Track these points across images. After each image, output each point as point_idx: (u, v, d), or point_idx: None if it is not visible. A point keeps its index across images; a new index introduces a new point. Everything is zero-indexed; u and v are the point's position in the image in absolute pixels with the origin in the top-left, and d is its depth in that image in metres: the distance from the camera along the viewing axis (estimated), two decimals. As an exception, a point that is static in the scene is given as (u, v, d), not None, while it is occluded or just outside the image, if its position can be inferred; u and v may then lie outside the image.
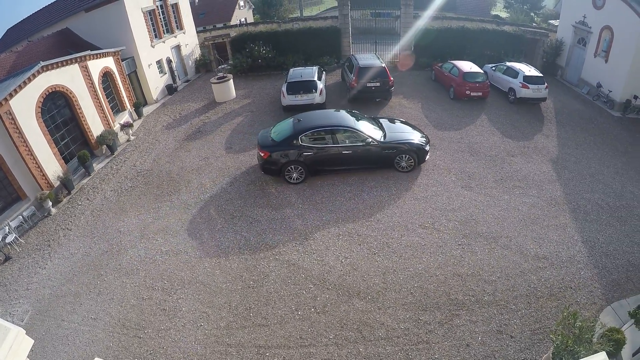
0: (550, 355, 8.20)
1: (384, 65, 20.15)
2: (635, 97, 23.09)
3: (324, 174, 14.74)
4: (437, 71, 23.90)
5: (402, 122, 16.36)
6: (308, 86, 19.05)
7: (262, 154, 14.10)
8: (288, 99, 19.01)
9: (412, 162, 14.66)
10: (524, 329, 9.29)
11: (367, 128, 14.52)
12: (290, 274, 10.68)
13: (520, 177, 15.04)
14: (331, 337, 9.03)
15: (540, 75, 21.90)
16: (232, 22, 48.62)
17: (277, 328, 9.28)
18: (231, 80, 22.31)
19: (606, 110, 23.49)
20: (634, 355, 8.71)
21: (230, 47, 28.17)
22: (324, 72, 22.20)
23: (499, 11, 64.24)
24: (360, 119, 15.04)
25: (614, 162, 16.97)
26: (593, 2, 25.02)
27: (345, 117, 15.02)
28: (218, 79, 22.10)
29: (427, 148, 14.80)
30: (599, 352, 7.88)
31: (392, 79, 20.09)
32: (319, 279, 10.48)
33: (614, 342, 8.41)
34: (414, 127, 15.99)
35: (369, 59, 20.93)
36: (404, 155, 14.47)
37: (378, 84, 19.75)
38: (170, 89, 24.61)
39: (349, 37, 26.85)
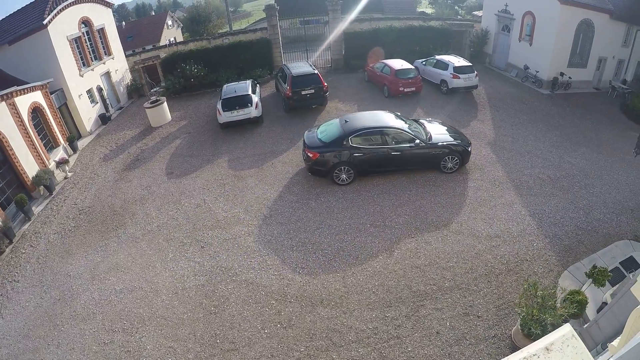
0: (519, 327, 8.49)
1: (316, 71, 20.21)
2: (562, 74, 24.95)
3: (371, 175, 14.58)
4: (369, 72, 24.25)
5: (440, 123, 16.10)
6: (243, 101, 18.82)
7: (311, 155, 13.87)
8: (224, 116, 18.69)
9: (457, 163, 14.57)
10: (489, 307, 9.57)
11: (414, 129, 14.46)
12: (250, 293, 10.40)
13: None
14: (302, 349, 8.86)
15: (470, 64, 22.85)
16: (162, 43, 47.75)
17: (247, 350, 9.01)
18: (165, 103, 21.68)
19: (535, 89, 24.94)
20: (598, 311, 9.10)
21: (161, 68, 27.42)
22: (257, 85, 22.04)
23: (425, 8, 66.49)
24: (406, 120, 15.03)
25: (549, 136, 17.82)
26: None
27: (392, 118, 14.85)
28: (151, 103, 21.41)
29: (470, 149, 14.69)
30: (564, 315, 8.29)
31: (326, 84, 20.17)
32: (279, 294, 10.28)
33: (577, 304, 8.80)
34: (451, 128, 15.94)
35: (302, 67, 20.92)
36: (450, 157, 14.37)
37: (313, 91, 19.73)
38: (103, 119, 23.58)
39: (280, 47, 26.84)
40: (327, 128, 14.82)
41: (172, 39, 50.89)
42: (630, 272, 10.03)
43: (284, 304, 9.98)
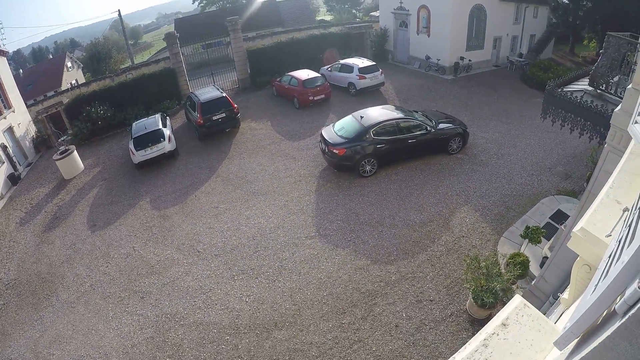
0: (472, 300, 8.74)
1: (224, 94, 19.85)
2: (462, 58, 26.59)
3: (392, 164, 15.14)
4: (277, 86, 24.16)
5: (434, 112, 17.42)
6: (155, 136, 18.01)
7: (338, 151, 14.23)
8: (138, 155, 17.78)
9: (460, 144, 15.70)
10: (439, 289, 9.80)
11: (422, 118, 15.49)
12: (203, 334, 9.77)
13: None
14: (268, 378, 8.45)
15: (374, 63, 23.54)
16: (64, 87, 44.80)
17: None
18: (75, 152, 20.29)
19: (440, 76, 26.17)
20: (541, 266, 9.58)
21: (65, 115, 25.64)
22: (167, 118, 21.25)
23: (324, 15, 68.06)
24: (412, 111, 16.14)
25: (459, 118, 18.59)
26: None
27: (399, 110, 15.96)
28: (61, 154, 19.93)
29: (468, 130, 15.98)
30: (510, 279, 8.66)
31: (236, 106, 19.86)
32: (232, 328, 9.75)
33: (519, 265, 9.33)
34: (448, 115, 17.25)
35: (209, 92, 20.46)
36: (455, 139, 15.45)
37: (224, 115, 19.34)
38: (13, 179, 21.58)
39: (185, 74, 26.11)
40: (344, 125, 15.28)
41: (73, 82, 48.12)
42: (561, 224, 10.64)
43: (238, 337, 9.47)
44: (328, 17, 63.26)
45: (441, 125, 15.42)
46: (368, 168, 14.64)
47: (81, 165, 20.41)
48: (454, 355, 2.58)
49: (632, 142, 3.97)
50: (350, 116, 15.78)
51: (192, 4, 66.18)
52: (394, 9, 29.66)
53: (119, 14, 43.63)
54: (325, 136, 15.05)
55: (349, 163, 14.47)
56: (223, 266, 11.72)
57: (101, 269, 12.95)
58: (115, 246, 13.87)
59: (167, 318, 10.43)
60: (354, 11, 62.50)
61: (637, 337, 1.28)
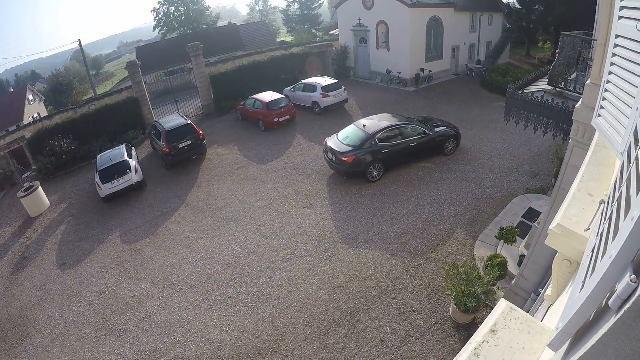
0: (454, 306, 8.75)
1: (189, 121, 19.67)
2: (422, 70, 27.25)
3: (397, 168, 15.76)
4: (241, 110, 24.02)
5: (427, 117, 18.43)
6: (121, 168, 17.59)
7: (346, 159, 14.70)
8: (105, 189, 17.30)
9: (455, 145, 16.63)
10: (421, 299, 9.75)
11: (418, 123, 16.21)
12: (184, 371, 9.44)
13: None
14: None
15: (336, 81, 23.78)
16: (25, 121, 43.42)
17: None
18: (39, 188, 19.59)
19: (402, 89, 26.71)
20: (519, 264, 9.70)
21: (28, 150, 24.78)
22: (133, 148, 20.83)
23: (284, 36, 68.65)
24: (408, 117, 17.01)
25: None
26: (364, 4, 28.61)
27: (396, 116, 16.78)
28: (25, 190, 19.21)
29: (460, 132, 16.79)
30: (490, 281, 8.71)
31: (201, 132, 19.69)
32: (214, 359, 9.45)
33: (498, 266, 9.38)
34: (440, 119, 18.22)
35: (173, 119, 20.21)
36: (450, 140, 16.36)
37: (190, 142, 19.10)
38: (-23, 219, 20.75)
39: (148, 103, 25.71)
40: (348, 134, 15.78)
41: (35, 115, 46.71)
42: (534, 221, 10.84)
43: (221, 371, 9.18)
44: (289, 38, 63.91)
45: (436, 129, 16.20)
46: (375, 173, 15.21)
47: (47, 201, 19.73)
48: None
49: (596, 135, 4.02)
50: (352, 125, 16.39)
51: (153, 31, 65.98)
52: (353, 26, 30.20)
53: (80, 44, 42.92)
54: (332, 146, 15.48)
55: (357, 169, 14.96)
56: (200, 297, 11.37)
57: (74, 309, 12.40)
58: (87, 284, 13.35)
59: (147, 355, 10.00)
60: (313, 30, 63.36)
61: (634, 331, 1.24)
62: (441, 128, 16.40)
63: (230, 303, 10.86)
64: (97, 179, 17.38)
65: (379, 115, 17.33)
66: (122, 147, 19.57)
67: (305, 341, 9.25)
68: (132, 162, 18.06)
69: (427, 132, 15.78)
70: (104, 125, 24.24)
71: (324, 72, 29.14)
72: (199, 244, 13.70)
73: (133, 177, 17.62)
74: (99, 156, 19.38)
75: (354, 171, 15.03)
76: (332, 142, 15.83)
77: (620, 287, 1.29)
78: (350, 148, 14.91)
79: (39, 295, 13.57)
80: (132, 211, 16.88)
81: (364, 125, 15.64)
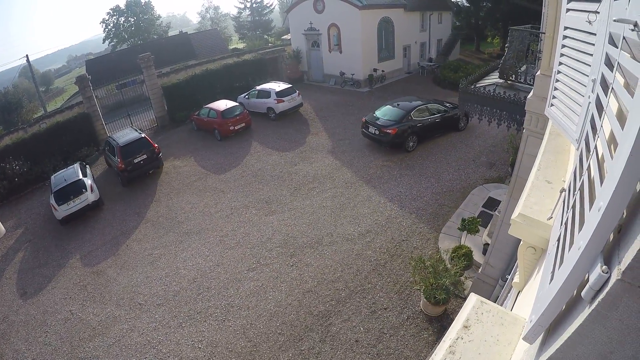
0: (425, 299, 8.91)
1: (143, 135, 19.20)
2: (375, 70, 27.55)
3: (426, 140, 17.85)
4: (196, 120, 23.61)
5: (439, 100, 20.32)
6: (76, 188, 16.91)
7: (391, 131, 16.69)
8: (61, 210, 16.57)
9: (465, 122, 18.87)
10: (390, 295, 9.87)
11: (439, 103, 18.85)
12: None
13: (310, 179, 16.03)
14: None
15: (290, 86, 23.85)
16: None
17: None
18: (-9, 213, 18.68)
19: (356, 90, 27.08)
20: (484, 253, 9.96)
21: (-23, 175, 23.53)
22: (87, 166, 20.07)
23: (236, 44, 67.93)
24: (428, 99, 19.30)
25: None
26: (315, 8, 28.73)
27: (419, 99, 18.96)
28: (-22, 218, 18.27)
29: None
30: (458, 272, 8.90)
31: (156, 145, 19.24)
32: (187, 379, 9.21)
33: (463, 256, 9.58)
34: (449, 102, 19.81)
35: (127, 134, 19.69)
36: (462, 118, 18.47)
37: (145, 156, 18.64)
38: None
39: (101, 118, 24.84)
40: (385, 112, 17.85)
41: (-17, 137, 44.56)
42: (495, 210, 11.10)
43: (196, 389, 8.95)
44: (241, 45, 63.28)
45: (453, 108, 18.34)
46: (411, 144, 17.23)
47: (2, 228, 18.70)
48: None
49: (550, 123, 4.12)
50: (387, 105, 18.34)
51: (103, 43, 64.05)
52: (305, 30, 30.30)
53: (27, 60, 41.18)
54: (376, 122, 17.47)
55: (399, 140, 16.89)
56: (168, 315, 11.05)
57: (40, 340, 11.78)
58: (51, 312, 12.72)
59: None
60: (265, 36, 63.07)
61: (610, 320, 1.25)
62: (453, 108, 18.40)
63: (199, 319, 10.61)
64: (53, 201, 16.64)
65: (406, 97, 19.90)
66: (76, 165, 18.83)
67: (280, 350, 9.16)
68: (88, 181, 17.39)
69: (447, 110, 18.20)
70: (56, 143, 23.19)
71: (277, 78, 29.05)
72: (162, 260, 13.34)
73: (89, 197, 16.95)
74: (53, 177, 18.58)
75: (397, 142, 16.93)
76: (371, 118, 17.96)
77: (592, 278, 1.30)
78: (392, 122, 16.95)
79: (2, 329, 12.84)
80: (91, 232, 16.26)
81: (398, 104, 17.89)
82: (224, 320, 10.32)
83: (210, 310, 10.77)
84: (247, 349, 9.38)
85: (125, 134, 19.73)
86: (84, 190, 16.88)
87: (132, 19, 59.59)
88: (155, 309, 11.40)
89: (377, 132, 17.24)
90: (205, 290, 11.52)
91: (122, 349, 10.49)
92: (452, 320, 3.53)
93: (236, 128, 21.58)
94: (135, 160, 18.36)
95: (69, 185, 16.90)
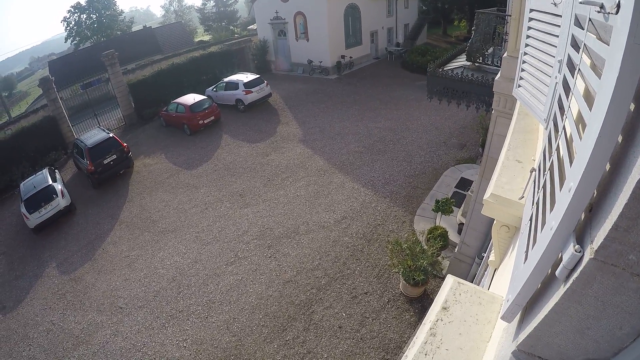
0: (404, 281, 9.12)
1: (112, 135, 18.81)
2: (343, 57, 27.60)
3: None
4: (165, 116, 23.13)
5: None
6: (47, 194, 16.40)
7: None
8: (33, 219, 16.03)
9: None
10: (370, 280, 10.04)
11: None
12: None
13: (283, 169, 16.00)
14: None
15: (258, 76, 23.59)
16: None
17: None
18: (-40, 229, 17.95)
19: (324, 77, 27.04)
20: (459, 232, 10.19)
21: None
22: (56, 171, 19.50)
23: (202, 36, 66.77)
24: None
25: (350, 113, 19.40)
26: None
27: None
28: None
29: None
30: (434, 252, 9.12)
31: (125, 144, 18.87)
32: (174, 379, 9.16)
33: (439, 237, 9.80)
34: None
35: (96, 134, 19.22)
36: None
37: (115, 156, 18.28)
38: None
39: (67, 120, 24.08)
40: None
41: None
42: (467, 190, 11.34)
43: (183, 388, 8.90)
44: (207, 37, 62.14)
45: None
46: None
47: (-25, 243, 18.02)
48: (405, 354, 2.49)
49: (518, 104, 4.19)
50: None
51: (65, 42, 61.83)
52: (271, 20, 29.96)
53: (-14, 65, 39.57)
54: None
55: None
56: (150, 316, 10.91)
57: (24, 354, 11.44)
58: (32, 325, 12.35)
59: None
60: (231, 27, 62.11)
61: (586, 297, 1.28)
62: None
63: (182, 317, 10.54)
64: (23, 210, 16.08)
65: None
66: (45, 171, 18.23)
67: (265, 341, 9.20)
68: (58, 186, 16.89)
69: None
70: (23, 149, 22.30)
71: (245, 69, 28.73)
72: (140, 261, 13.14)
73: (61, 202, 16.47)
74: (21, 184, 17.93)
75: None
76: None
77: (565, 257, 1.32)
78: None
79: (-23, 343, 12.47)
80: (65, 238, 15.83)
81: None
82: (206, 317, 10.28)
83: (192, 307, 10.71)
84: (232, 344, 9.38)
85: (93, 135, 19.23)
86: (54, 196, 16.40)
87: (94, 16, 57.55)
88: (137, 312, 11.25)
89: None
90: (185, 288, 11.43)
91: (107, 355, 10.34)
92: (432, 300, 3.60)
93: (205, 122, 21.29)
94: (105, 161, 17.92)
95: (39, 192, 16.37)
